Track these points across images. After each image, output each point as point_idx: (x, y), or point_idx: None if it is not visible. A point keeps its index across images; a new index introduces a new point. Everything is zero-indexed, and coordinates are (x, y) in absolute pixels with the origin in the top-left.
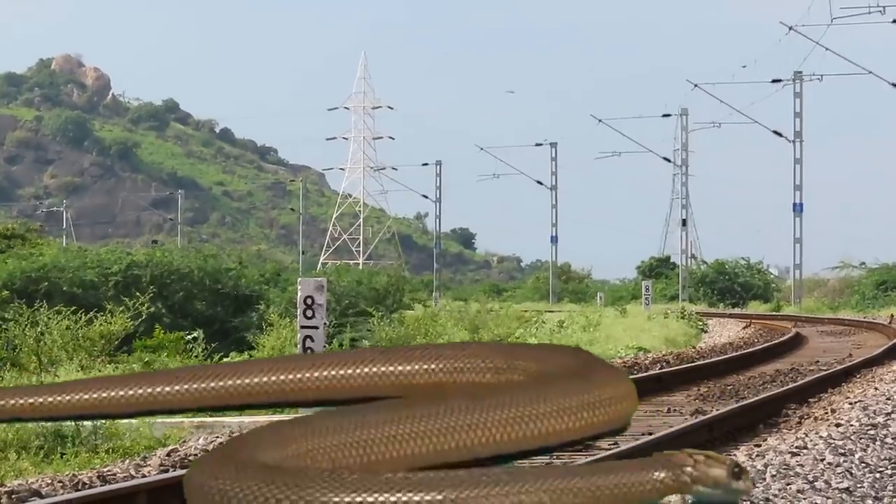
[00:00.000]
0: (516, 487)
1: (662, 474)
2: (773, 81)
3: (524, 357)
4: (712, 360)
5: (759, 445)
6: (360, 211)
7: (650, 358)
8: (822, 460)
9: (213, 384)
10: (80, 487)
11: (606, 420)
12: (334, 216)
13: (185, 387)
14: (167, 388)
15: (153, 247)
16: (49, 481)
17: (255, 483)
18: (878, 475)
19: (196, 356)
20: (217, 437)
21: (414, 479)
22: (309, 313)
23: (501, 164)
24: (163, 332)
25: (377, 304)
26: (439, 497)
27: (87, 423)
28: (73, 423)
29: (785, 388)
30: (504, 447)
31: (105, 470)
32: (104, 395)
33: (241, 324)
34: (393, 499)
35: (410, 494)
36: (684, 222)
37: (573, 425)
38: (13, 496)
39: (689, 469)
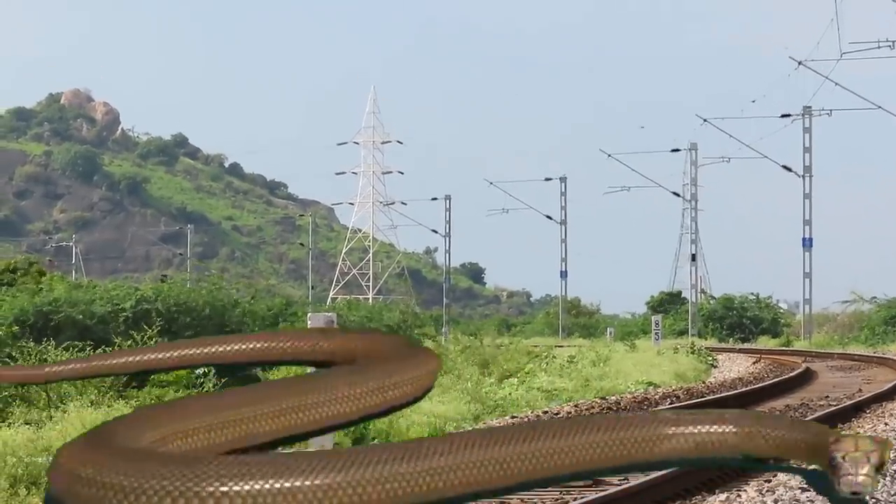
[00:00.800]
0: (676, 428)
1: (796, 435)
2: (783, 116)
3: (351, 339)
4: (722, 395)
5: (769, 481)
6: (369, 246)
7: (660, 393)
8: None
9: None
10: None
11: (423, 386)
12: (344, 251)
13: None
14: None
15: (162, 280)
16: None
17: (138, 472)
18: None
19: (207, 390)
20: None
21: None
22: None
23: (511, 199)
24: None
25: None
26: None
27: None
28: None
29: None
30: (352, 416)
31: None
32: (111, 361)
33: None
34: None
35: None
36: (694, 257)
37: (402, 393)
38: None
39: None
